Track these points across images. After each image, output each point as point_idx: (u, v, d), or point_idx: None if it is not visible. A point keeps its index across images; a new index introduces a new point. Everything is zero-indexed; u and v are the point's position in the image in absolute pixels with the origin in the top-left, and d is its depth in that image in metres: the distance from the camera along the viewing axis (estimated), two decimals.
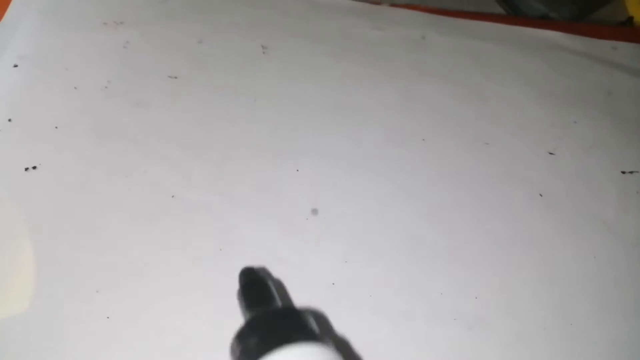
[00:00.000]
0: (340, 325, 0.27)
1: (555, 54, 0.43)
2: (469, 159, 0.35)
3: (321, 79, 0.38)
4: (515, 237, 0.32)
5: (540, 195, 0.34)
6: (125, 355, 0.26)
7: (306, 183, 0.33)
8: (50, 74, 0.35)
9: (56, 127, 0.33)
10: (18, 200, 0.30)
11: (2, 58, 0.35)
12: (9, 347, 0.25)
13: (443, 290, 0.29)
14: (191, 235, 0.29)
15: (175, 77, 0.36)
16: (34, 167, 0.31)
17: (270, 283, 0.22)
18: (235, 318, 0.22)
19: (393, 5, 0.45)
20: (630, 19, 0.49)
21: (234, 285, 0.26)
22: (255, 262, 0.29)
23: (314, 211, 0.31)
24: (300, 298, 0.28)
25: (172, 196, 0.31)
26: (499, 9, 0.49)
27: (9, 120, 0.32)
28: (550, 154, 0.37)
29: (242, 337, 0.19)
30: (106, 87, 0.35)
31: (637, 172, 0.36)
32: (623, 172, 0.36)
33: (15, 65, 0.35)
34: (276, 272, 0.29)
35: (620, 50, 0.44)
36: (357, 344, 0.27)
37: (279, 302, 0.21)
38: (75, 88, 0.35)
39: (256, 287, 0.22)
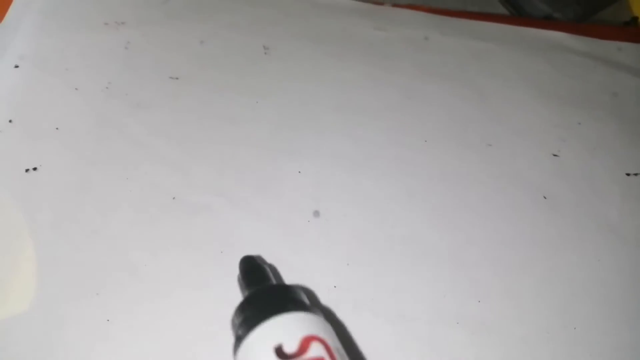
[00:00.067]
0: (342, 328, 0.27)
1: (559, 54, 0.43)
2: (471, 160, 0.35)
3: (323, 80, 0.38)
4: (518, 239, 0.32)
5: (544, 197, 0.34)
6: (125, 357, 0.25)
7: (308, 184, 0.32)
8: (50, 74, 0.35)
9: (57, 128, 0.32)
10: (18, 201, 0.29)
11: (3, 59, 0.35)
12: (9, 348, 0.25)
13: (446, 293, 0.29)
14: (192, 237, 0.29)
15: (177, 78, 0.36)
16: (35, 168, 0.31)
17: (266, 267, 0.25)
18: None
19: (395, 5, 0.44)
20: (635, 19, 0.49)
21: (235, 286, 0.26)
22: None
23: (316, 213, 0.31)
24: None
25: (173, 197, 0.31)
26: (502, 10, 0.49)
27: (10, 121, 0.32)
28: (554, 155, 0.36)
29: (241, 309, 0.21)
30: (107, 88, 0.35)
31: None
32: (627, 174, 0.36)
33: (16, 66, 0.35)
34: (283, 276, 0.28)
35: (625, 51, 0.44)
36: (359, 347, 0.27)
37: (273, 282, 0.24)
38: (76, 89, 0.34)
39: (254, 270, 0.24)
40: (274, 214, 0.31)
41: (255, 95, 0.36)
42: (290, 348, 0.18)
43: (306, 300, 0.22)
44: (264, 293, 0.22)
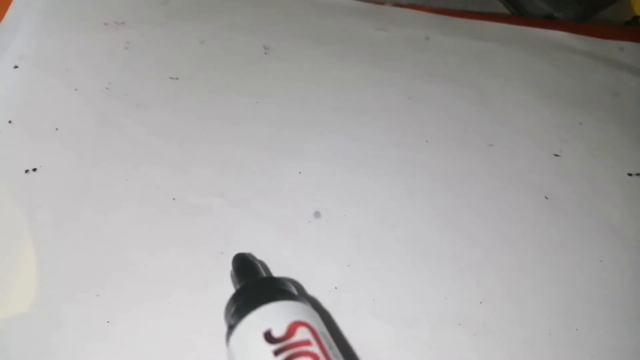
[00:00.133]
0: (343, 329, 0.27)
1: (560, 54, 0.43)
2: (472, 160, 0.35)
3: (323, 80, 0.38)
4: (520, 240, 0.32)
5: (546, 197, 0.34)
6: (125, 358, 0.25)
7: (308, 185, 0.32)
8: (50, 75, 0.35)
9: (56, 129, 0.32)
10: (18, 202, 0.29)
11: (2, 59, 0.35)
12: (8, 349, 0.25)
13: (447, 294, 0.29)
14: (192, 238, 0.29)
15: (177, 78, 0.36)
16: (34, 169, 0.31)
17: (257, 262, 0.26)
18: None
19: (396, 5, 0.44)
20: (636, 18, 0.49)
21: None
22: None
23: (317, 214, 0.31)
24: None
25: (173, 198, 0.30)
26: (503, 9, 0.49)
27: (9, 121, 0.32)
28: (556, 155, 0.36)
29: (233, 300, 0.23)
30: (107, 88, 0.35)
31: None
32: (629, 174, 0.36)
33: (16, 67, 0.35)
34: (277, 275, 0.28)
35: (626, 50, 0.44)
36: (359, 349, 0.26)
37: (264, 275, 0.25)
38: (75, 89, 0.34)
39: (246, 266, 0.25)
40: (274, 214, 0.31)
41: (256, 95, 0.36)
42: (278, 332, 0.20)
43: (294, 291, 0.23)
44: (254, 285, 0.23)
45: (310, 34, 0.40)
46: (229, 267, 0.27)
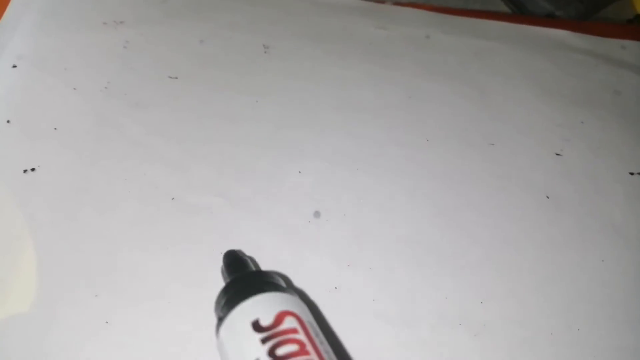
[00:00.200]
0: (342, 330, 0.27)
1: (561, 53, 0.43)
2: (473, 160, 0.35)
3: (323, 78, 0.38)
4: (521, 240, 0.31)
5: (547, 196, 0.34)
6: (124, 359, 0.25)
7: (308, 184, 0.32)
8: (49, 74, 0.35)
9: (55, 129, 0.32)
10: (16, 202, 0.29)
11: (1, 58, 0.34)
12: (7, 349, 0.25)
13: (448, 294, 0.29)
14: (191, 238, 0.29)
15: (176, 77, 0.36)
16: (33, 169, 0.30)
17: (246, 258, 0.26)
18: None
19: (397, 3, 0.44)
20: (638, 16, 0.48)
21: None
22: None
23: (316, 213, 0.31)
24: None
25: (172, 198, 0.30)
26: (504, 8, 0.49)
27: (8, 121, 0.32)
28: (557, 154, 0.36)
29: (222, 293, 0.23)
30: (106, 88, 0.34)
31: None
32: (631, 174, 0.36)
33: (14, 66, 0.34)
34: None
35: (628, 49, 0.44)
36: (360, 350, 0.26)
37: (253, 269, 0.26)
38: (74, 89, 0.34)
39: (235, 261, 0.26)
40: (274, 214, 0.31)
41: (255, 94, 0.36)
42: (266, 322, 0.20)
43: (282, 283, 0.24)
44: (243, 278, 0.24)
45: (310, 32, 0.40)
46: None
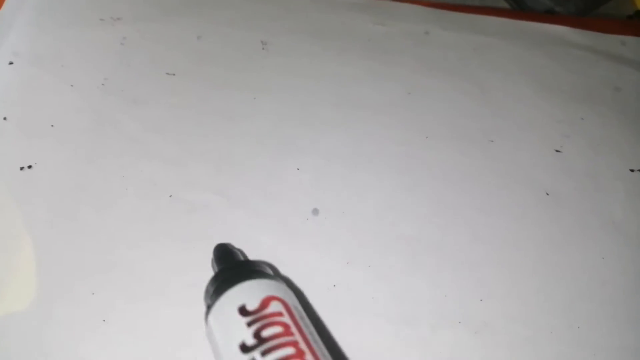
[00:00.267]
0: (341, 328, 0.27)
1: (561, 49, 0.42)
2: (473, 156, 0.35)
3: (322, 75, 0.37)
4: (521, 237, 0.31)
5: (547, 194, 0.33)
6: (122, 358, 0.25)
7: (307, 182, 0.32)
8: (46, 71, 0.34)
9: (52, 126, 0.32)
10: (13, 200, 0.29)
11: None
12: (4, 347, 0.25)
13: (447, 292, 0.29)
14: (189, 235, 0.29)
15: (174, 74, 0.36)
16: (29, 167, 0.30)
17: (236, 250, 0.26)
18: None
19: None
20: (638, 12, 0.48)
21: None
22: None
23: (315, 211, 0.31)
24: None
25: (170, 195, 0.30)
26: (503, 3, 0.48)
27: (4, 118, 0.32)
28: (557, 151, 0.36)
29: (213, 281, 0.24)
30: (103, 85, 0.34)
31: None
32: (632, 170, 0.36)
33: (11, 63, 0.34)
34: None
35: (628, 45, 0.43)
36: (359, 349, 0.26)
37: (241, 259, 0.26)
38: (71, 85, 0.34)
39: (225, 253, 0.26)
40: (272, 211, 0.30)
41: (253, 91, 0.36)
42: (251, 306, 0.21)
43: (269, 272, 0.24)
44: (231, 267, 0.24)
45: (309, 29, 0.40)
46: None
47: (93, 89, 0.34)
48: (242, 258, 0.26)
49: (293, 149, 0.33)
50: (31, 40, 0.36)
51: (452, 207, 0.32)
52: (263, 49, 0.38)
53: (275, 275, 0.24)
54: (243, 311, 0.21)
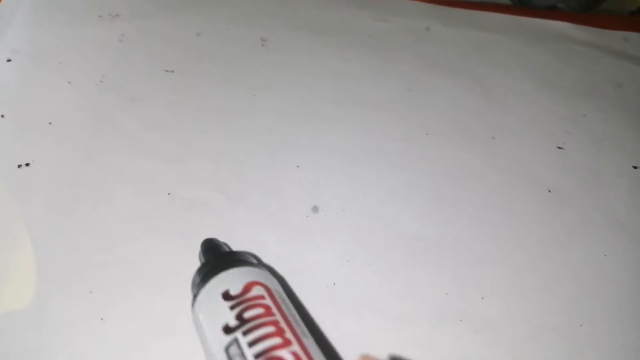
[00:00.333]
0: (341, 326, 0.26)
1: (563, 45, 0.42)
2: (474, 153, 0.34)
3: (322, 72, 0.37)
4: (523, 234, 0.31)
5: (549, 191, 0.33)
6: (120, 356, 0.25)
7: (306, 179, 0.32)
8: (44, 68, 0.34)
9: (50, 123, 0.32)
10: (11, 197, 0.29)
11: None
12: (2, 345, 0.25)
13: (448, 290, 0.28)
14: (188, 233, 0.29)
15: (172, 71, 0.35)
16: (27, 164, 0.30)
17: (221, 243, 0.27)
18: None
19: None
20: None
21: None
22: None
23: (315, 208, 0.30)
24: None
25: (168, 193, 0.30)
26: (505, 0, 0.48)
27: (2, 116, 0.32)
28: (559, 148, 0.35)
29: (199, 270, 0.24)
30: (101, 82, 0.34)
31: None
32: (635, 167, 0.35)
33: (9, 60, 0.34)
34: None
35: (631, 41, 0.43)
36: (358, 347, 0.26)
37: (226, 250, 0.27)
38: (69, 83, 0.34)
39: (212, 247, 0.27)
40: (271, 209, 0.30)
41: (253, 88, 0.35)
42: (234, 291, 0.22)
43: (253, 260, 0.25)
44: (216, 258, 0.25)
45: (308, 25, 0.40)
46: None
47: (91, 86, 0.34)
48: (227, 249, 0.27)
49: (293, 146, 0.33)
50: (29, 38, 0.35)
51: (453, 204, 0.32)
52: (262, 45, 0.38)
53: (259, 263, 0.25)
54: (227, 296, 0.21)
